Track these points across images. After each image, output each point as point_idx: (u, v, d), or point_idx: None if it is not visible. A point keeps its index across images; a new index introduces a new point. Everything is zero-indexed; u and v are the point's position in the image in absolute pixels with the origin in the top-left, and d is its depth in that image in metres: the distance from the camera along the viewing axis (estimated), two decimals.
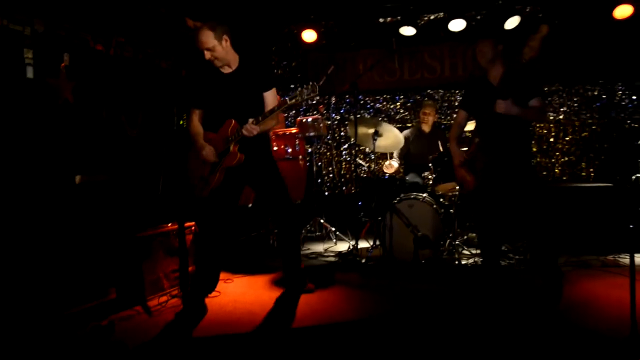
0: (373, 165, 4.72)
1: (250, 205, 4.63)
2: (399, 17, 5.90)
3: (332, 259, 4.65)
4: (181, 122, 4.02)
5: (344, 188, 6.63)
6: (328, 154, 6.68)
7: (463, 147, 3.66)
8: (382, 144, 4.65)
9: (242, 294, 3.58)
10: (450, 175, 4.07)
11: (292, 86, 6.52)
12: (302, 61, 6.68)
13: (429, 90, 6.39)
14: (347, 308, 3.20)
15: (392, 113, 6.55)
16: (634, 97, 5.77)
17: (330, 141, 6.59)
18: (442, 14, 5.88)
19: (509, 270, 4.02)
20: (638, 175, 4.79)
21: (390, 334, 2.77)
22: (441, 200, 4.49)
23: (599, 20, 5.47)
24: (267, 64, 6.20)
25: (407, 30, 5.79)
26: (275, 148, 4.81)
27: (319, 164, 6.47)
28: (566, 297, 3.14)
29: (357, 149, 6.26)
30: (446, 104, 6.35)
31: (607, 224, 4.51)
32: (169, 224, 3.65)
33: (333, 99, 5.68)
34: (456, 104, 6.22)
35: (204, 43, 3.02)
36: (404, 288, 3.60)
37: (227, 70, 3.20)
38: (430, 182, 4.48)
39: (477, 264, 4.17)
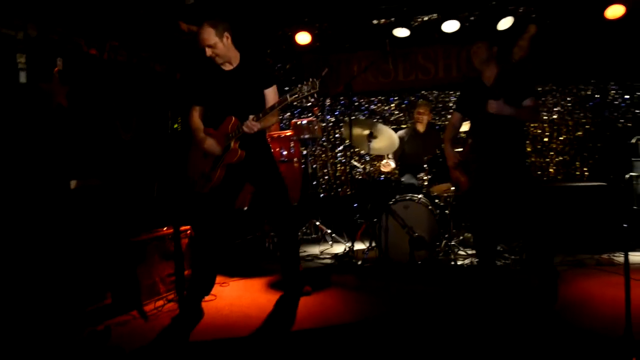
0: (368, 167, 4.73)
1: (245, 208, 4.61)
2: (392, 19, 5.90)
3: (328, 261, 4.66)
4: (175, 126, 4.01)
5: (339, 190, 6.63)
6: (323, 156, 6.69)
7: (458, 148, 3.68)
8: (377, 146, 4.65)
9: (238, 297, 3.58)
10: (445, 176, 4.08)
11: (286, 88, 6.50)
12: (296, 63, 6.68)
13: (423, 92, 6.42)
14: (344, 310, 3.20)
15: (387, 114, 6.56)
16: (626, 96, 5.81)
17: (325, 143, 6.61)
18: (435, 15, 5.89)
19: (504, 270, 4.03)
20: (631, 173, 4.82)
21: (387, 335, 2.77)
22: (436, 201, 4.50)
23: (591, 21, 5.51)
24: (266, 63, 6.20)
25: (401, 32, 5.80)
26: None
27: (314, 166, 6.48)
28: (562, 296, 3.15)
29: (352, 150, 6.27)
30: (440, 105, 6.37)
31: (601, 222, 4.54)
32: (164, 228, 3.63)
33: (327, 100, 5.69)
34: (450, 104, 6.25)
35: (205, 40, 3.01)
36: (400, 289, 3.61)
37: (228, 67, 3.18)
38: (426, 183, 4.49)
39: (473, 264, 4.19)
